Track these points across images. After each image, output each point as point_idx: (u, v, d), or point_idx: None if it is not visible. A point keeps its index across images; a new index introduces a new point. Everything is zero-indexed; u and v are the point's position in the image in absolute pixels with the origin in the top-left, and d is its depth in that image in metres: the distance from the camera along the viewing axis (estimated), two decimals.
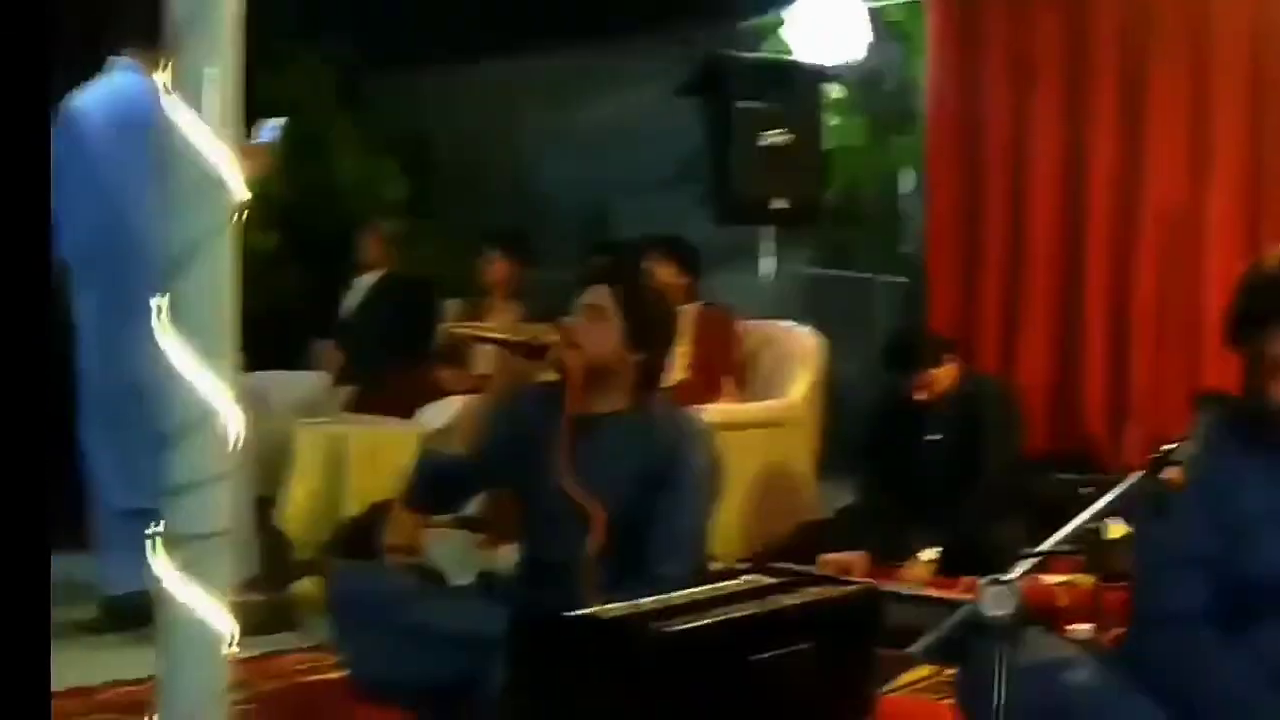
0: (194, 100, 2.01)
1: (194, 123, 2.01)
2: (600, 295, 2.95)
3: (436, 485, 3.04)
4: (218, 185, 2.00)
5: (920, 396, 4.30)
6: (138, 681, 3.12)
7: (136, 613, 3.42)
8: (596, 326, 2.92)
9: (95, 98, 4.04)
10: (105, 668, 3.44)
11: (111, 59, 4.06)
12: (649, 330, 2.96)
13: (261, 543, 4.17)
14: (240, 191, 2.09)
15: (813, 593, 2.51)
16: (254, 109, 6.32)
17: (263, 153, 4.16)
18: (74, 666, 3.48)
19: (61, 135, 4.06)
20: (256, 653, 3.56)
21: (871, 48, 6.75)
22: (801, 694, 2.33)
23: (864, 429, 4.65)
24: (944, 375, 4.33)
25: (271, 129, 4.19)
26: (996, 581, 1.77)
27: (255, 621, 3.78)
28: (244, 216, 2.10)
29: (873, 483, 4.44)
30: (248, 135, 4.13)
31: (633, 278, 3.15)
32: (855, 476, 4.64)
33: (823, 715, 2.38)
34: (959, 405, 4.31)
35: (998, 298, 5.36)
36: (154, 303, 2.03)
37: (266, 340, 6.00)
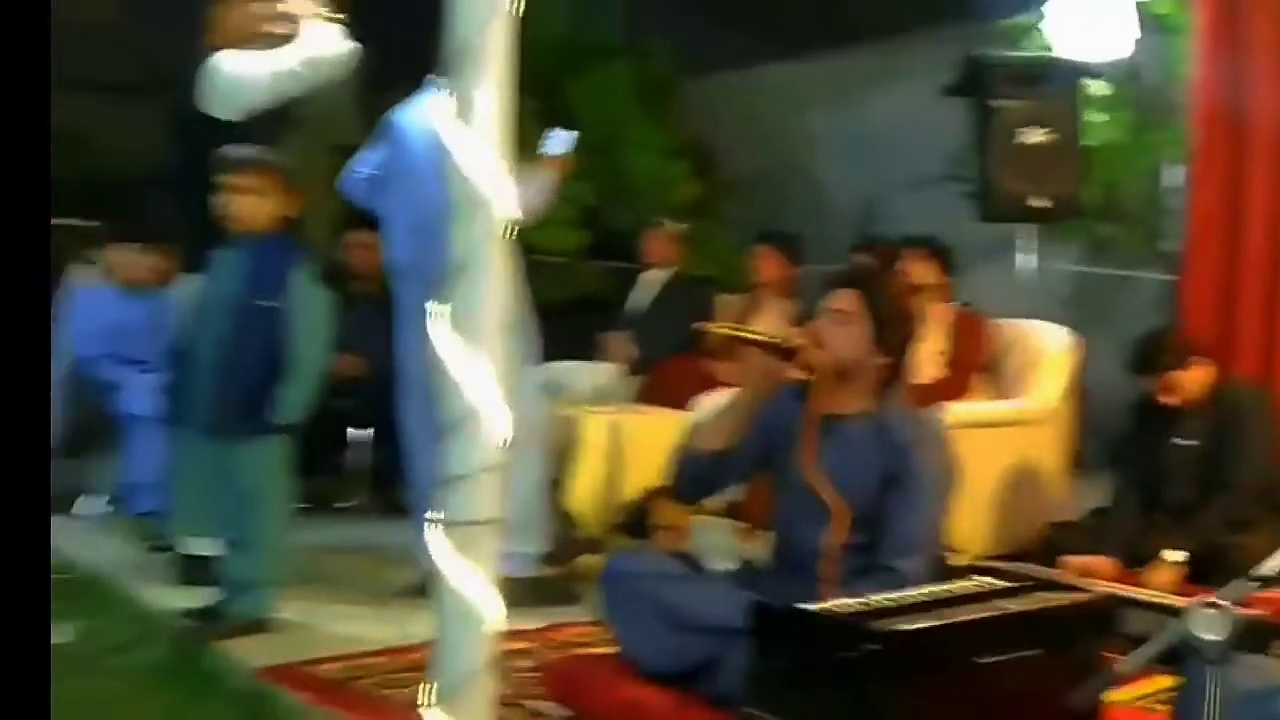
0: (468, 124, 2.02)
1: (468, 144, 2.02)
2: (846, 300, 2.89)
3: (695, 478, 3.01)
4: (488, 203, 2.01)
5: (1167, 400, 3.96)
6: None
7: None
8: (842, 330, 2.85)
9: (413, 114, 4.11)
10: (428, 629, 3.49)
11: (429, 78, 4.06)
12: (892, 334, 2.87)
13: (552, 521, 4.20)
14: (510, 209, 2.08)
15: (1042, 599, 2.36)
16: (560, 114, 6.43)
17: (557, 163, 4.20)
18: (395, 627, 3.63)
19: (385, 147, 4.20)
20: (543, 624, 3.62)
21: (1135, 42, 6.37)
22: (1026, 699, 2.18)
23: (1117, 430, 4.32)
24: (1193, 379, 3.97)
25: (562, 139, 4.22)
26: (1210, 604, 1.59)
27: (543, 594, 3.86)
28: (512, 231, 2.09)
29: (1124, 485, 4.11)
30: (541, 145, 4.19)
31: (877, 283, 3.04)
32: (1108, 478, 4.34)
33: None
34: (1211, 410, 3.94)
35: (1259, 299, 4.80)
36: (434, 308, 2.04)
37: (572, 331, 6.14)
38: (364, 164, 4.33)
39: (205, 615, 3.61)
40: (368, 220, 5.07)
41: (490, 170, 2.01)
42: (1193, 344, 4.13)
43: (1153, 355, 4.01)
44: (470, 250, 2.03)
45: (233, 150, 3.67)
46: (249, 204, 3.60)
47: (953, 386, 4.41)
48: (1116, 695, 2.33)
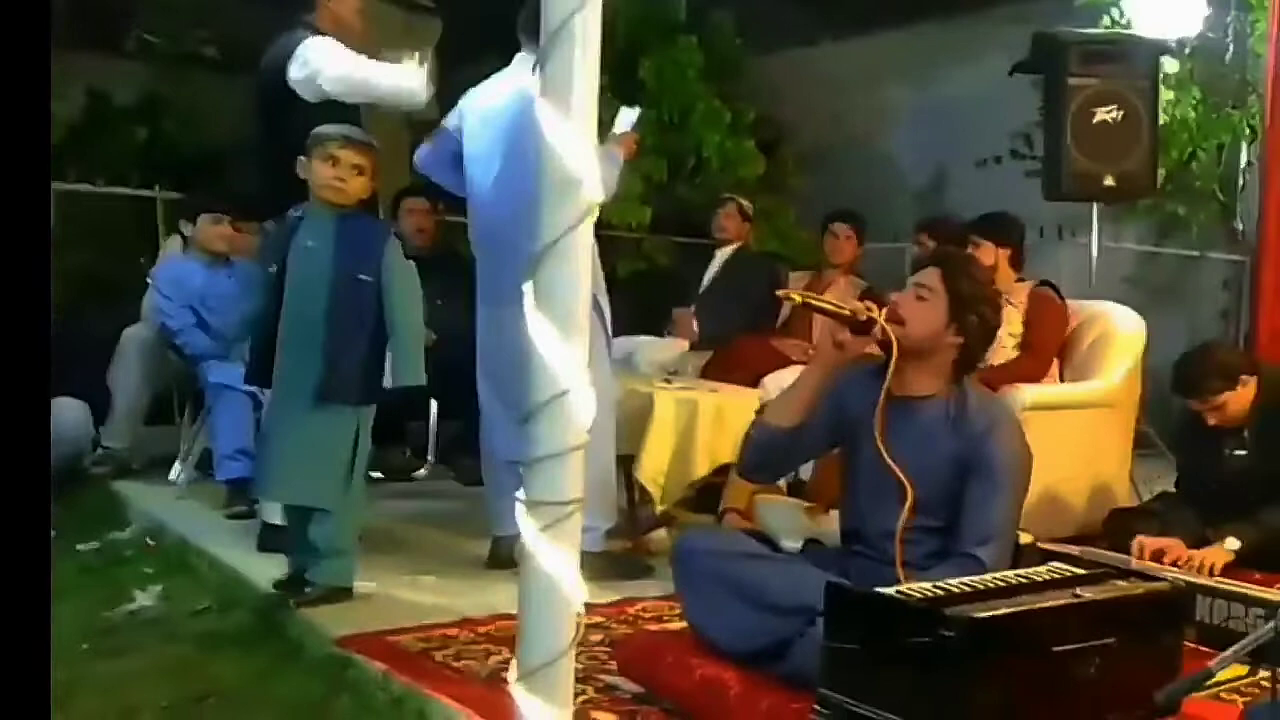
0: (560, 105, 1.98)
1: (559, 127, 1.98)
2: (930, 277, 2.83)
3: (766, 455, 2.96)
4: (577, 185, 1.97)
5: (1213, 422, 3.80)
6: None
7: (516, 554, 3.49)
8: (923, 306, 2.80)
9: (489, 91, 4.07)
10: (501, 601, 3.49)
11: (518, 54, 4.01)
12: (974, 316, 2.80)
13: (622, 496, 4.18)
14: (596, 191, 2.04)
15: (1120, 587, 2.31)
16: (630, 90, 6.33)
17: (624, 140, 4.16)
18: (467, 598, 3.63)
19: (467, 118, 4.15)
20: (613, 599, 3.60)
21: (1208, 20, 6.24)
22: (1102, 688, 2.15)
23: (1177, 421, 4.16)
24: (1239, 400, 3.77)
25: (629, 117, 4.18)
26: None
27: (614, 568, 3.84)
28: (597, 208, 2.05)
29: (1184, 478, 4.00)
30: (612, 122, 4.15)
31: (963, 264, 2.95)
32: (1171, 461, 4.22)
33: (1126, 711, 2.16)
34: (1262, 419, 3.77)
35: None
36: (525, 289, 2.02)
37: (641, 306, 6.11)
38: (440, 139, 4.29)
39: (291, 583, 3.63)
40: (422, 188, 5.06)
41: (582, 152, 1.98)
42: (1239, 362, 3.88)
43: (1197, 379, 3.80)
44: (559, 231, 1.99)
45: (332, 127, 3.69)
46: (348, 179, 3.60)
47: (1028, 368, 4.30)
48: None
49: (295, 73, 4.11)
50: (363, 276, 3.58)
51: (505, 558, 3.89)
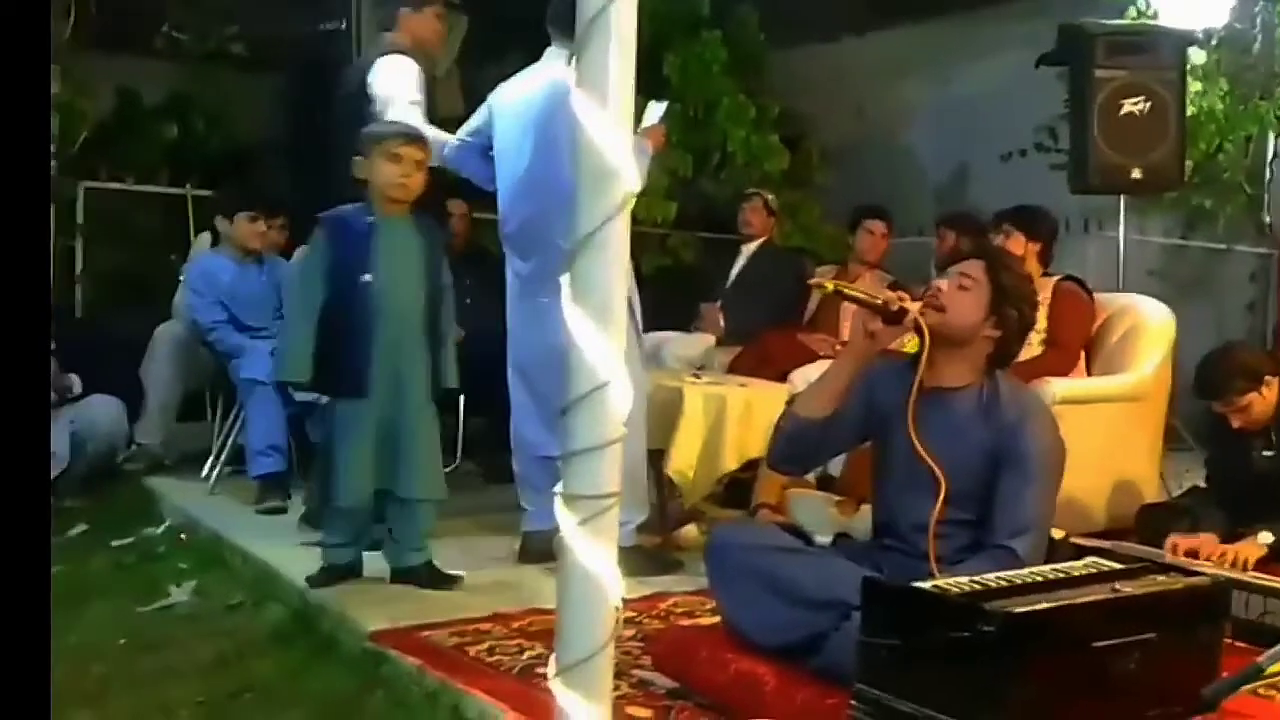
0: (597, 96, 1.95)
1: (596, 117, 1.95)
2: (973, 268, 2.80)
3: (796, 447, 2.91)
4: (614, 176, 1.94)
5: (1241, 424, 3.75)
6: (550, 612, 3.15)
7: (550, 549, 3.46)
8: (966, 295, 2.76)
9: (526, 83, 4.03)
10: (532, 595, 3.52)
11: (548, 49, 4.00)
12: (1013, 310, 2.77)
13: (651, 490, 4.15)
14: (633, 181, 2.01)
15: (1160, 581, 2.27)
16: (654, 86, 6.32)
17: (653, 133, 4.13)
18: (499, 594, 3.61)
19: (496, 113, 4.13)
20: (645, 593, 3.58)
21: (1235, 10, 6.17)
22: (1142, 684, 2.11)
23: (1204, 419, 4.09)
24: (1262, 401, 3.71)
25: (656, 110, 4.15)
26: None
27: (646, 563, 3.82)
28: (634, 198, 2.02)
29: (1212, 475, 3.95)
30: (640, 116, 4.12)
31: (1005, 259, 2.92)
32: (1199, 455, 4.16)
33: (1166, 707, 2.12)
34: None
35: None
36: (561, 280, 1.99)
37: (667, 302, 6.08)
38: (469, 134, 4.26)
39: (332, 572, 3.66)
40: (459, 188, 5.05)
41: (619, 142, 1.95)
42: (1262, 363, 3.80)
43: (1219, 381, 3.75)
44: (597, 222, 1.96)
45: (387, 125, 3.70)
46: (410, 176, 3.60)
47: (1055, 362, 4.25)
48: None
49: (371, 82, 4.22)
50: (443, 281, 3.69)
51: (535, 552, 3.87)
